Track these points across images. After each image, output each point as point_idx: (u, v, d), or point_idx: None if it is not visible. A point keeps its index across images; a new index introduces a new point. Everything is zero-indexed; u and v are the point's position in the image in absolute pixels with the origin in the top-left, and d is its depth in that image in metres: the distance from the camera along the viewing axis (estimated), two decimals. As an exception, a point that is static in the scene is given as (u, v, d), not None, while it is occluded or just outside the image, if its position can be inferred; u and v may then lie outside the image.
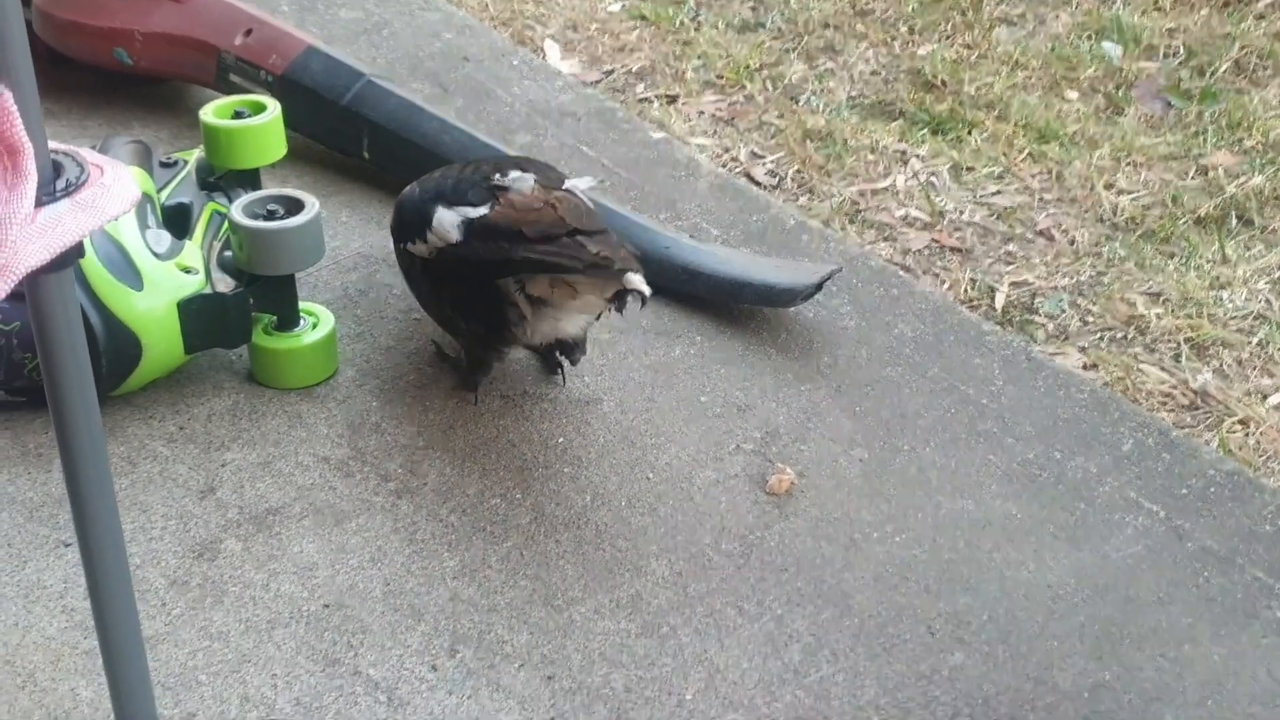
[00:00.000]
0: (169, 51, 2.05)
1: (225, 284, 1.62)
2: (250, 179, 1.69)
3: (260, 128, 1.64)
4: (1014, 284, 1.88)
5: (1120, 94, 2.31)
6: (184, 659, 1.28)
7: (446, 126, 1.89)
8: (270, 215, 1.55)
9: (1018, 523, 1.44)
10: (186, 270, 1.53)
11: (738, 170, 2.13)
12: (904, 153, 2.17)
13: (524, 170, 1.51)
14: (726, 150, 2.19)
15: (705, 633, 1.32)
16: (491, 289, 1.46)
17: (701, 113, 2.29)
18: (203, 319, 1.53)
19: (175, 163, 1.69)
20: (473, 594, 1.35)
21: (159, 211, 1.61)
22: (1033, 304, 1.85)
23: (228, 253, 1.63)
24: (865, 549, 1.41)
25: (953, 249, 1.96)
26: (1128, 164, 2.13)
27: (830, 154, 2.16)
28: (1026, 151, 2.16)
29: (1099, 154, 2.15)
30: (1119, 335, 1.79)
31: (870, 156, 2.16)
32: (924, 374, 1.64)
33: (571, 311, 1.47)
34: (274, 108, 1.66)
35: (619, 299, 1.42)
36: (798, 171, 2.12)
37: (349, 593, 1.35)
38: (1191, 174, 2.11)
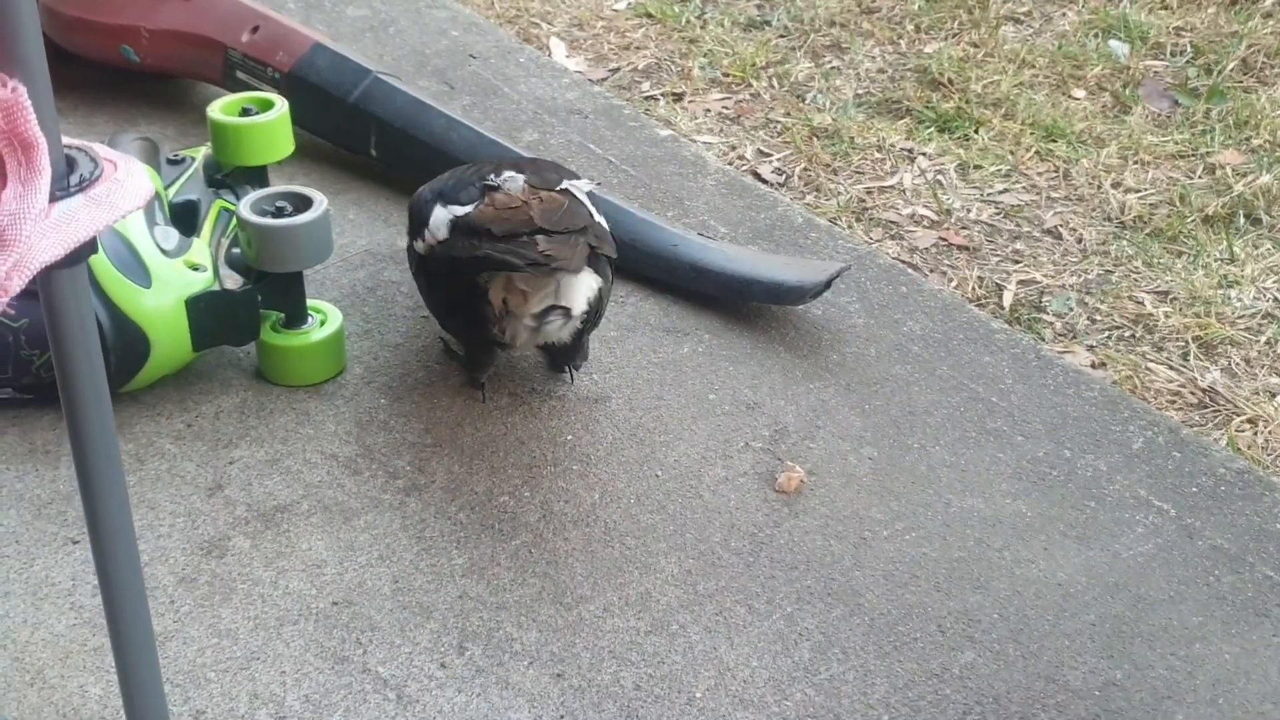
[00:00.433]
0: (176, 48, 2.05)
1: (233, 281, 1.62)
2: (258, 176, 1.68)
3: (268, 125, 1.64)
4: (1022, 282, 1.88)
5: (1127, 92, 2.31)
6: (192, 656, 1.28)
7: (453, 124, 1.89)
8: (278, 212, 1.54)
9: (1028, 521, 1.44)
10: (194, 267, 1.53)
11: (744, 168, 2.13)
12: (911, 151, 2.17)
13: (521, 170, 1.51)
14: (733, 148, 2.18)
15: (715, 631, 1.31)
16: (471, 288, 1.47)
17: (708, 110, 2.29)
18: (211, 316, 1.53)
19: (183, 160, 1.69)
20: (481, 591, 1.35)
21: (167, 209, 1.60)
22: (1040, 302, 1.84)
23: (236, 250, 1.63)
24: (875, 547, 1.41)
25: (960, 247, 1.95)
26: (1135, 162, 2.13)
27: (837, 152, 2.15)
28: (1034, 150, 2.15)
29: (1106, 152, 2.14)
30: (1127, 334, 1.79)
31: (877, 154, 2.15)
32: (933, 372, 1.64)
33: (531, 315, 1.47)
34: (281, 105, 1.66)
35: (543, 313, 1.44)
36: (804, 169, 2.12)
37: (357, 590, 1.35)
38: (1199, 172, 2.11)
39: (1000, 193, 2.07)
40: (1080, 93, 2.32)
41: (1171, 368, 1.73)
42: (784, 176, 2.11)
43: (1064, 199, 2.06)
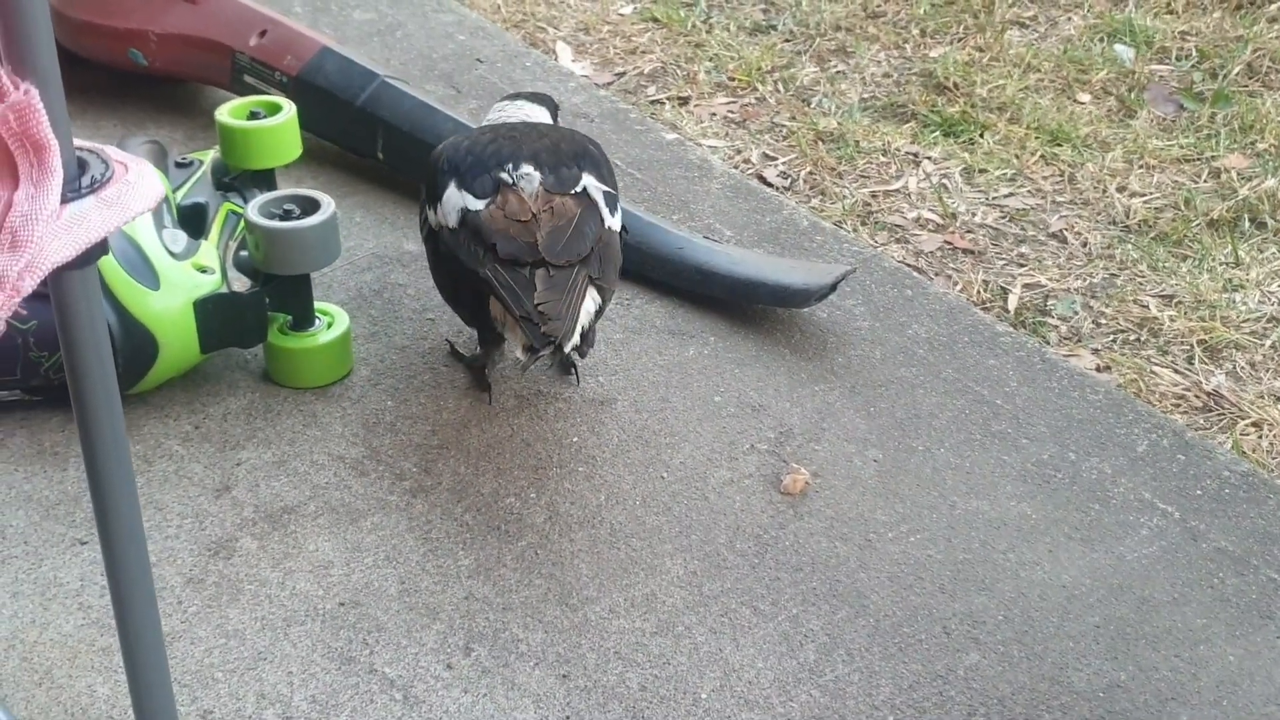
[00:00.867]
0: (184, 52, 2.06)
1: (241, 283, 1.62)
2: (265, 179, 1.69)
3: (275, 128, 1.65)
4: (1027, 286, 1.88)
5: (1133, 96, 2.31)
6: (200, 656, 1.29)
7: (460, 127, 1.90)
8: (286, 215, 1.55)
9: (1032, 523, 1.44)
10: (202, 270, 1.53)
11: (750, 172, 2.13)
12: (916, 155, 2.17)
13: (540, 165, 1.50)
14: (738, 152, 2.19)
15: (720, 632, 1.32)
16: (476, 284, 1.47)
17: (713, 114, 2.29)
18: (218, 318, 1.53)
19: (191, 163, 1.70)
20: (488, 592, 1.36)
21: (175, 211, 1.61)
22: (1046, 306, 1.85)
23: (243, 252, 1.64)
24: (880, 549, 1.41)
25: (965, 251, 1.96)
26: (1140, 166, 2.13)
27: (842, 156, 2.16)
28: (1039, 154, 2.16)
29: (1111, 156, 2.15)
30: (1132, 337, 1.79)
31: (882, 158, 2.16)
32: (938, 374, 1.64)
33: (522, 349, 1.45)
34: (289, 108, 1.67)
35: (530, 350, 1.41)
36: (810, 173, 2.12)
37: (364, 591, 1.35)
38: (1204, 176, 2.11)
39: (1005, 196, 2.08)
40: (1085, 97, 2.32)
41: (1176, 371, 1.73)
42: (789, 180, 2.12)
43: (1069, 203, 2.06)
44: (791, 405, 1.60)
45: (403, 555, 1.39)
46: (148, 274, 1.49)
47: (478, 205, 1.47)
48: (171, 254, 1.52)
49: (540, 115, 1.69)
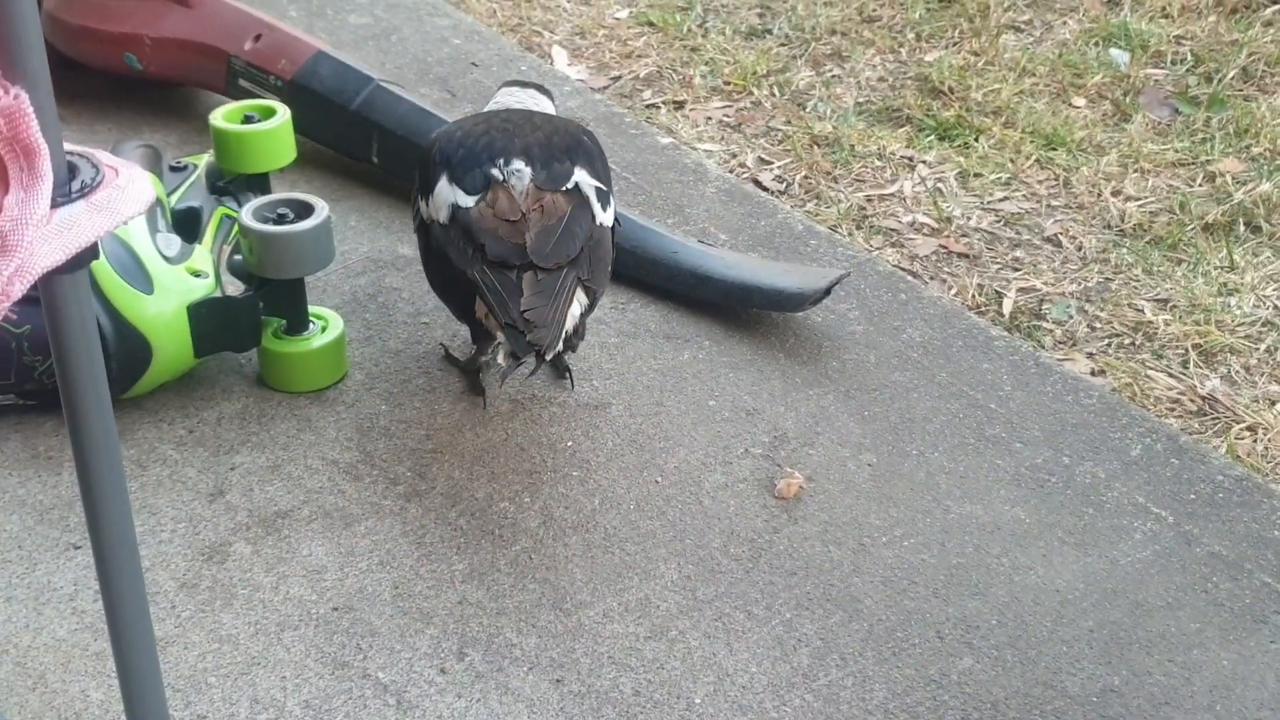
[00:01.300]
0: (179, 57, 2.05)
1: (235, 288, 1.62)
2: (260, 183, 1.69)
3: (270, 132, 1.65)
4: (1022, 290, 1.88)
5: (1128, 101, 2.32)
6: (193, 661, 1.28)
7: (455, 131, 1.90)
8: (280, 219, 1.55)
9: (1026, 527, 1.44)
10: (196, 274, 1.53)
11: (745, 175, 2.13)
12: (911, 159, 2.17)
13: (532, 160, 1.49)
14: (734, 156, 2.19)
15: (714, 636, 1.32)
16: (466, 282, 1.46)
17: (709, 118, 2.29)
18: (212, 322, 1.53)
19: (185, 167, 1.70)
20: (481, 597, 1.35)
21: (169, 215, 1.61)
22: (1040, 310, 1.85)
23: (237, 256, 1.64)
24: (874, 553, 1.41)
25: (960, 255, 1.96)
26: (1135, 170, 2.13)
27: (837, 160, 2.16)
28: (1034, 158, 2.16)
29: (1106, 160, 2.15)
30: (1127, 341, 1.79)
31: (877, 162, 2.16)
32: (932, 379, 1.64)
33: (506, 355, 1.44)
34: (284, 112, 1.67)
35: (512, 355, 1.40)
36: (805, 177, 2.12)
37: (358, 596, 1.35)
38: (1199, 180, 2.11)
39: (1000, 200, 2.08)
40: (1080, 101, 2.33)
41: (1171, 375, 1.73)
42: (784, 184, 2.12)
43: (1064, 207, 2.06)
44: (786, 409, 1.59)
45: (396, 560, 1.39)
46: (142, 278, 1.49)
47: (468, 202, 1.47)
48: (165, 258, 1.52)
49: (545, 105, 1.70)
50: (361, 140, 1.94)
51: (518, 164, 1.49)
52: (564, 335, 1.42)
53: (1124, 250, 1.96)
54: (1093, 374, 1.73)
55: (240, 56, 1.99)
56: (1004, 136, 2.21)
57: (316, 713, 1.24)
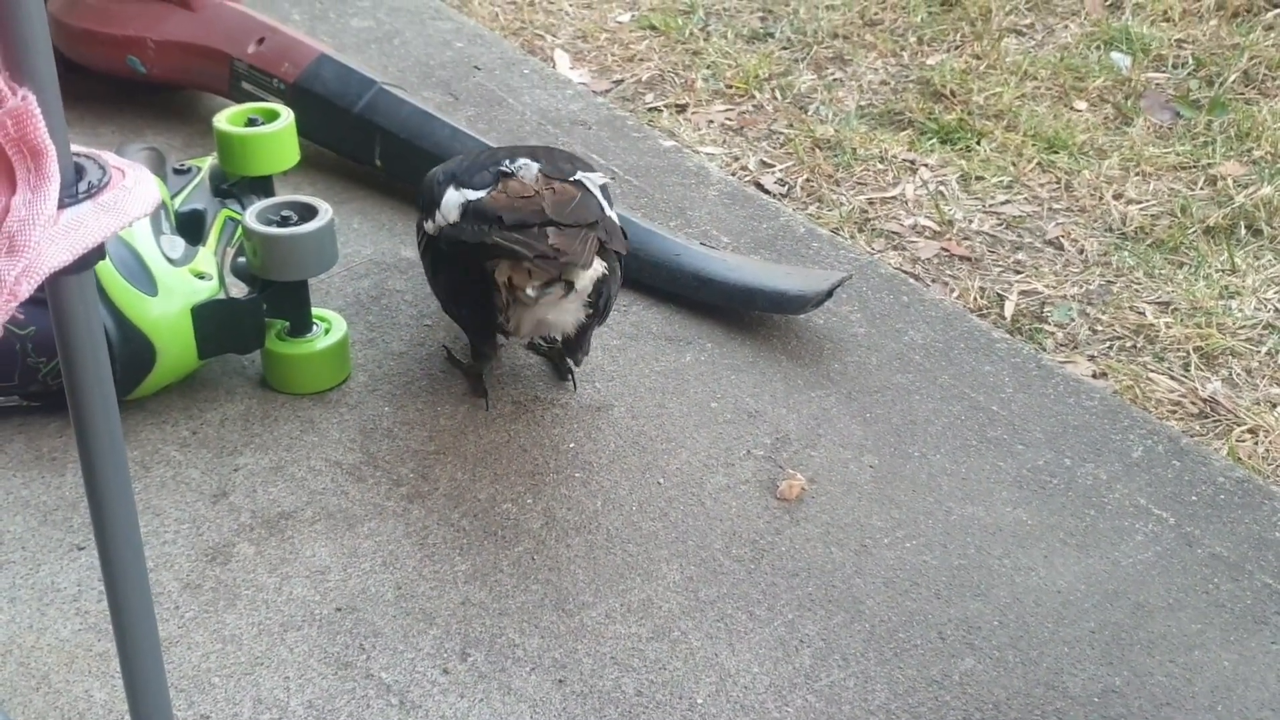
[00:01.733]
0: (182, 59, 2.06)
1: (239, 290, 1.63)
2: (263, 186, 1.70)
3: (273, 135, 1.65)
4: (1023, 292, 1.89)
5: (1129, 104, 2.32)
6: (197, 661, 1.29)
7: (458, 134, 1.90)
8: (284, 221, 1.56)
9: (1028, 529, 1.45)
10: (200, 276, 1.54)
11: (747, 178, 2.14)
12: (913, 162, 2.18)
13: (536, 159, 1.52)
14: (736, 159, 2.19)
15: (716, 637, 1.32)
16: (479, 274, 1.47)
17: (711, 122, 2.30)
18: (216, 324, 1.54)
19: (189, 169, 1.70)
20: (484, 598, 1.36)
21: (173, 218, 1.62)
22: (1042, 312, 1.85)
23: (241, 259, 1.64)
24: (876, 554, 1.41)
25: (962, 257, 1.96)
26: (1136, 174, 2.13)
27: (839, 163, 2.16)
28: (1035, 161, 2.16)
29: (1108, 164, 2.15)
30: (1128, 344, 1.79)
31: (879, 165, 2.16)
32: (934, 381, 1.65)
33: (539, 304, 1.46)
34: (287, 115, 1.67)
35: (565, 286, 1.42)
36: (807, 180, 2.13)
37: (361, 596, 1.36)
38: (1200, 184, 2.11)
39: (1002, 204, 2.08)
40: (1082, 104, 2.33)
41: (1172, 378, 1.73)
42: (786, 187, 2.12)
43: (1065, 210, 2.07)
44: (788, 411, 1.60)
45: (399, 561, 1.40)
46: (145, 280, 1.49)
47: (479, 194, 1.48)
48: (169, 260, 1.52)
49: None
50: (364, 143, 1.95)
51: (524, 160, 1.51)
52: (596, 266, 1.43)
53: (1125, 253, 1.96)
54: (1094, 376, 1.73)
55: (243, 59, 2.00)
56: (1006, 140, 2.21)
57: (319, 713, 1.24)
